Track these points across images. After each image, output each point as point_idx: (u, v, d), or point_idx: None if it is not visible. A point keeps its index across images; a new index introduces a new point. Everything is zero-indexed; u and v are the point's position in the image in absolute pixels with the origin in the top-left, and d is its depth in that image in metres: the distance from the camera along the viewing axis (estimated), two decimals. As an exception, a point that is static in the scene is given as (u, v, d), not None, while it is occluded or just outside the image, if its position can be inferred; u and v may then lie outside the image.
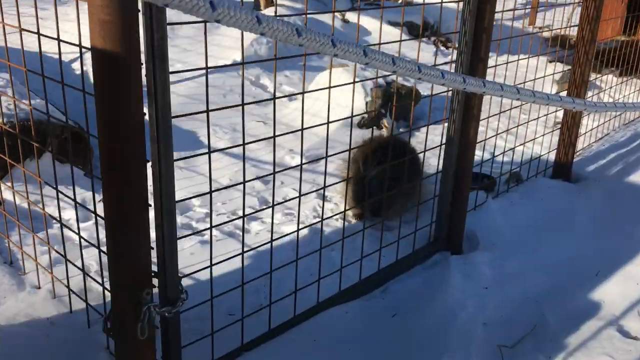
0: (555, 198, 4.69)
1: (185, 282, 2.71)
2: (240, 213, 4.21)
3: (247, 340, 2.88)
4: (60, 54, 2.54)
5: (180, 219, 4.14)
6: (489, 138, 4.60)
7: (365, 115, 5.95)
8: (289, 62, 7.61)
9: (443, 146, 3.71)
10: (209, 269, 2.69)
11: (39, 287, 3.24)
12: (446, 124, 3.70)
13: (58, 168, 4.61)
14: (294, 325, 3.05)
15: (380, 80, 6.16)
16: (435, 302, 3.29)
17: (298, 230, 3.04)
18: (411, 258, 3.75)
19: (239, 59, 7.21)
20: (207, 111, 2.39)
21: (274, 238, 2.97)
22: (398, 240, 3.68)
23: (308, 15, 2.77)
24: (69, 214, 4.02)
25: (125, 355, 2.27)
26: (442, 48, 9.70)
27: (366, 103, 5.98)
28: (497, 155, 4.72)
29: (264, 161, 5.13)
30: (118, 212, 2.04)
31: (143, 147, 2.00)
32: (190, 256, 3.60)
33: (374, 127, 6.04)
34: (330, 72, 3.07)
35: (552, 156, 5.26)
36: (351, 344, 2.98)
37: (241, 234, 3.99)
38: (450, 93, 3.63)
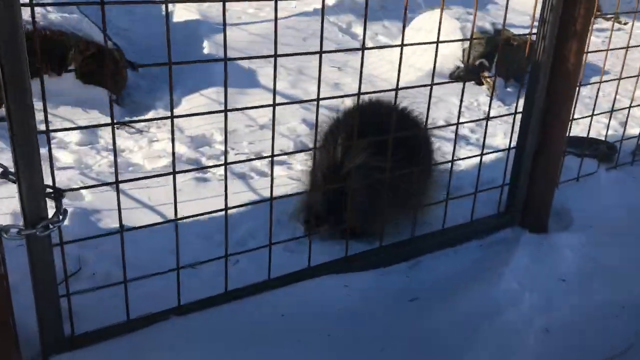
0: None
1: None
2: (265, 160, 3.44)
3: (184, 301, 2.07)
4: None
5: (189, 152, 3.42)
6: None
7: (461, 65, 4.84)
8: (390, 11, 6.68)
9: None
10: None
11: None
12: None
13: (81, 89, 4.17)
14: (259, 292, 2.19)
15: (487, 25, 5.00)
16: (476, 289, 2.25)
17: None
18: (464, 230, 2.71)
19: (330, 4, 6.38)
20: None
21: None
22: (446, 202, 2.65)
23: None
24: None
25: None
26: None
27: (463, 50, 4.86)
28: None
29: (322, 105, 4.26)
30: None
31: None
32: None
33: (473, 82, 4.93)
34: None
35: None
36: (326, 329, 2.05)
37: (254, 176, 3.24)
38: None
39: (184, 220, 2.65)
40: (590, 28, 2.54)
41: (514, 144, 2.77)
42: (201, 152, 3.45)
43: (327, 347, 1.98)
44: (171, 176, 1.93)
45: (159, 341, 1.92)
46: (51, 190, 1.70)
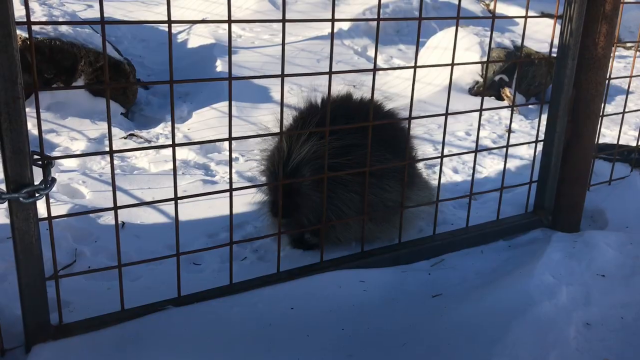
0: None
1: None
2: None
3: (184, 292, 1.88)
4: None
5: (197, 158, 3.28)
6: None
7: (480, 80, 4.70)
8: (405, 35, 6.63)
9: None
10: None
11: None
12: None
13: (90, 101, 4.09)
14: (266, 284, 1.99)
15: (506, 42, 4.88)
16: (506, 283, 2.04)
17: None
18: (490, 229, 2.51)
19: (345, 28, 6.34)
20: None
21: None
22: (469, 203, 2.47)
23: None
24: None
25: None
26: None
27: (482, 65, 4.73)
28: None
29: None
30: None
31: None
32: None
33: (492, 97, 4.79)
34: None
35: None
36: (340, 324, 1.85)
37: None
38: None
39: (190, 219, 2.51)
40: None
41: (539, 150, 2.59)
42: (210, 157, 3.32)
43: (340, 342, 1.78)
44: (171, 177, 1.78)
45: (153, 331, 1.72)
46: (38, 157, 1.56)
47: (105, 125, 3.87)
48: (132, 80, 4.07)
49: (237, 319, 1.82)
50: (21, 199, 1.48)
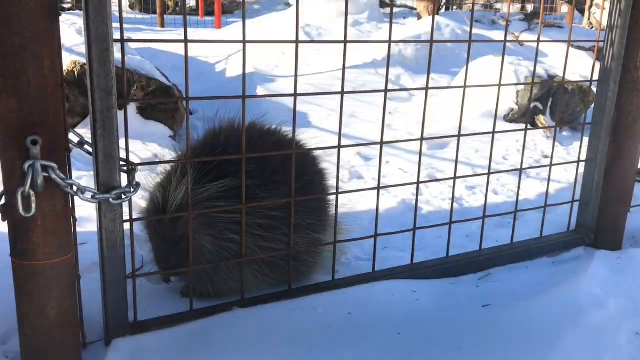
0: None
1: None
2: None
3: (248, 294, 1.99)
4: None
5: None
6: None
7: (514, 107, 4.80)
8: (437, 65, 6.76)
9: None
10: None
11: None
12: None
13: (141, 124, 4.28)
14: (322, 290, 2.09)
15: (541, 71, 4.99)
16: (555, 293, 2.11)
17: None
18: (534, 245, 2.58)
19: (379, 58, 6.52)
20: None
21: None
22: (514, 218, 2.55)
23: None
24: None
25: (15, 245, 1.53)
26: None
27: (517, 92, 4.83)
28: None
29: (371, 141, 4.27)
30: None
31: None
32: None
33: (527, 124, 4.86)
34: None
35: None
36: (396, 328, 1.93)
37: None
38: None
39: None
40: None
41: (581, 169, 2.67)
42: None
43: (397, 344, 1.86)
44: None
45: (221, 329, 1.83)
46: (124, 164, 1.70)
47: (155, 146, 4.06)
48: (180, 105, 4.25)
49: (298, 320, 1.92)
50: (111, 199, 1.61)
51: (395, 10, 15.39)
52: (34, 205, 1.45)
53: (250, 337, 1.82)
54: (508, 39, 2.52)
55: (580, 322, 1.90)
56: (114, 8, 1.55)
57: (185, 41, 1.74)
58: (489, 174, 2.45)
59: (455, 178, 2.35)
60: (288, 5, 15.24)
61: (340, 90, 2.01)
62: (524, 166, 4.05)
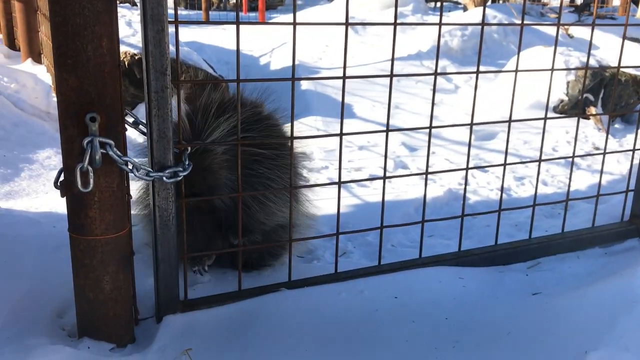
0: None
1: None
2: (364, 173, 3.44)
3: (295, 277, 2.01)
4: None
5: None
6: None
7: (565, 98, 4.68)
8: (485, 56, 6.66)
9: None
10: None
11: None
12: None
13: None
14: (369, 275, 2.09)
15: (592, 61, 4.84)
16: (608, 282, 2.05)
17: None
18: (585, 235, 2.51)
19: (424, 50, 6.46)
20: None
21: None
22: (565, 207, 2.49)
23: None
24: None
25: (73, 221, 1.58)
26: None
27: (567, 83, 4.71)
28: None
29: (417, 130, 4.24)
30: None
31: None
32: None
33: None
34: None
35: None
36: (443, 314, 1.92)
37: (354, 186, 3.21)
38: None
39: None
40: None
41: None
42: (303, 165, 3.47)
43: (444, 329, 1.85)
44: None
45: (268, 309, 1.85)
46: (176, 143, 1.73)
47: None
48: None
49: (344, 303, 1.93)
50: (164, 178, 1.65)
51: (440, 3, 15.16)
52: (91, 181, 1.50)
53: (298, 317, 1.84)
54: (554, 31, 2.46)
55: (635, 311, 1.84)
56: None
57: (237, 23, 1.76)
58: (539, 161, 2.39)
59: (505, 165, 2.31)
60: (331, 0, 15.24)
61: (389, 74, 2.00)
62: (575, 159, 3.97)
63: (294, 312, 1.86)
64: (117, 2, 1.58)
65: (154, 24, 1.55)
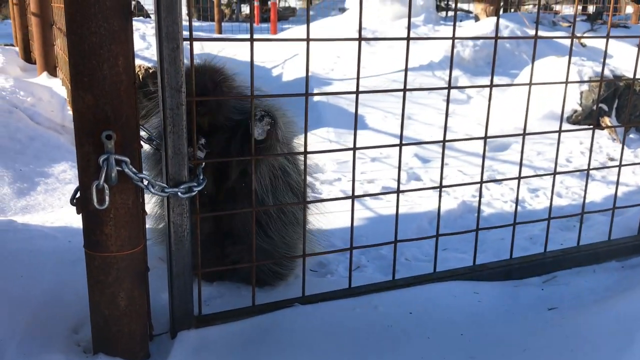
0: None
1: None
2: (377, 185, 3.43)
3: (308, 291, 2.00)
4: None
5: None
6: None
7: (578, 109, 4.65)
8: (497, 67, 6.63)
9: None
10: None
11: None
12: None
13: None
14: (383, 290, 2.08)
15: (605, 71, 4.81)
16: (626, 297, 2.02)
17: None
18: (601, 248, 2.49)
19: (436, 60, 6.45)
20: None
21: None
22: (581, 220, 2.47)
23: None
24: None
25: (88, 237, 1.59)
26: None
27: (581, 93, 4.69)
28: None
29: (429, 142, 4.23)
30: None
31: None
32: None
33: (594, 125, 4.71)
34: None
35: None
36: (459, 329, 1.90)
37: (367, 199, 3.20)
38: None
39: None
40: None
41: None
42: (315, 177, 3.47)
43: (460, 345, 1.83)
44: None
45: (283, 324, 1.85)
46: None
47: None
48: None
49: (359, 318, 1.92)
50: (179, 193, 1.65)
51: (451, 13, 15.19)
52: (107, 198, 1.51)
53: (312, 333, 1.83)
54: (568, 42, 2.45)
55: (655, 328, 1.82)
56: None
57: (251, 40, 1.77)
58: (554, 173, 2.38)
59: (519, 178, 2.29)
60: (342, 10, 15.29)
61: (402, 88, 1.99)
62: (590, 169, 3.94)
63: (308, 328, 1.85)
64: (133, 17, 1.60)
65: (169, 42, 1.57)
